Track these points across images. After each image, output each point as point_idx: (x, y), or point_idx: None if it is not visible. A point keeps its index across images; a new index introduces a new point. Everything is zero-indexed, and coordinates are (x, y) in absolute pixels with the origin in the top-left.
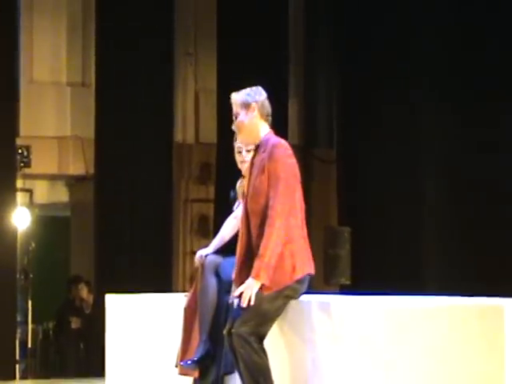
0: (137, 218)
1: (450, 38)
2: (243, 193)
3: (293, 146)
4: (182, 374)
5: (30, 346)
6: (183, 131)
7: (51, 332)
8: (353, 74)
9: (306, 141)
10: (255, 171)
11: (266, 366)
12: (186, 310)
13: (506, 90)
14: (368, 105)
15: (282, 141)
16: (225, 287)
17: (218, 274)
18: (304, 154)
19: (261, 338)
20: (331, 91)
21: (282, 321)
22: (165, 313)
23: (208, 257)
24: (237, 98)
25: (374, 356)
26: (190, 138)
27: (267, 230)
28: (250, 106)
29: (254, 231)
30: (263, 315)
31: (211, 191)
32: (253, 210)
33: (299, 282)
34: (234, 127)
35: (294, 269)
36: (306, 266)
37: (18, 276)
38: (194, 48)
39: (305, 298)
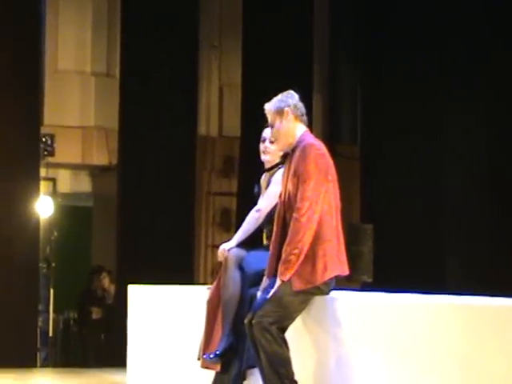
0: (159, 210)
1: (480, 37)
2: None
3: None
4: (204, 367)
5: (51, 334)
6: (207, 124)
7: (72, 321)
8: (377, 70)
9: (330, 137)
10: (290, 174)
11: (286, 357)
12: (208, 303)
13: None
14: (392, 101)
15: (316, 141)
16: (249, 281)
17: (241, 268)
18: (327, 151)
19: (282, 329)
20: (355, 87)
21: (306, 316)
22: (187, 305)
23: (231, 250)
24: (270, 107)
25: (395, 352)
26: (214, 131)
27: (292, 227)
28: (284, 111)
29: (289, 227)
30: (285, 308)
31: (234, 184)
32: (291, 206)
33: (326, 282)
34: (271, 137)
35: (325, 268)
36: (338, 267)
37: (40, 265)
38: (218, 41)
39: (330, 294)
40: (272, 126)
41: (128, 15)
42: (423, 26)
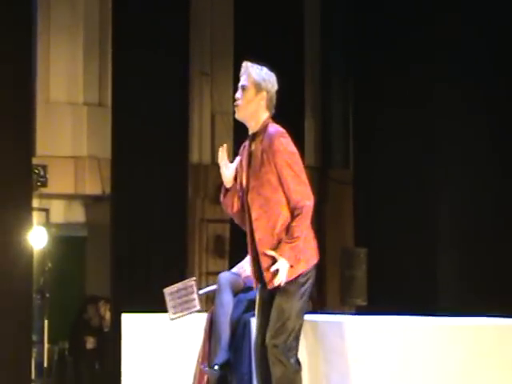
0: (153, 238)
1: (466, 38)
2: (240, 184)
3: (309, 167)
4: None
5: (45, 365)
6: (199, 152)
7: (67, 351)
8: (369, 94)
9: (322, 161)
10: (256, 162)
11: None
12: (205, 328)
13: None
14: (384, 125)
15: (280, 128)
16: (243, 305)
17: (233, 291)
18: (320, 175)
19: (295, 347)
20: (347, 111)
21: (303, 344)
22: (181, 332)
23: (222, 274)
24: (252, 73)
25: (390, 376)
26: (206, 158)
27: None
28: (261, 92)
29: (255, 224)
30: (290, 314)
31: None
32: (254, 201)
33: (310, 271)
34: (237, 97)
35: (306, 259)
36: (313, 257)
37: (34, 296)
38: (210, 68)
39: (323, 318)
40: (243, 88)
41: (119, 44)
42: (419, 42)
